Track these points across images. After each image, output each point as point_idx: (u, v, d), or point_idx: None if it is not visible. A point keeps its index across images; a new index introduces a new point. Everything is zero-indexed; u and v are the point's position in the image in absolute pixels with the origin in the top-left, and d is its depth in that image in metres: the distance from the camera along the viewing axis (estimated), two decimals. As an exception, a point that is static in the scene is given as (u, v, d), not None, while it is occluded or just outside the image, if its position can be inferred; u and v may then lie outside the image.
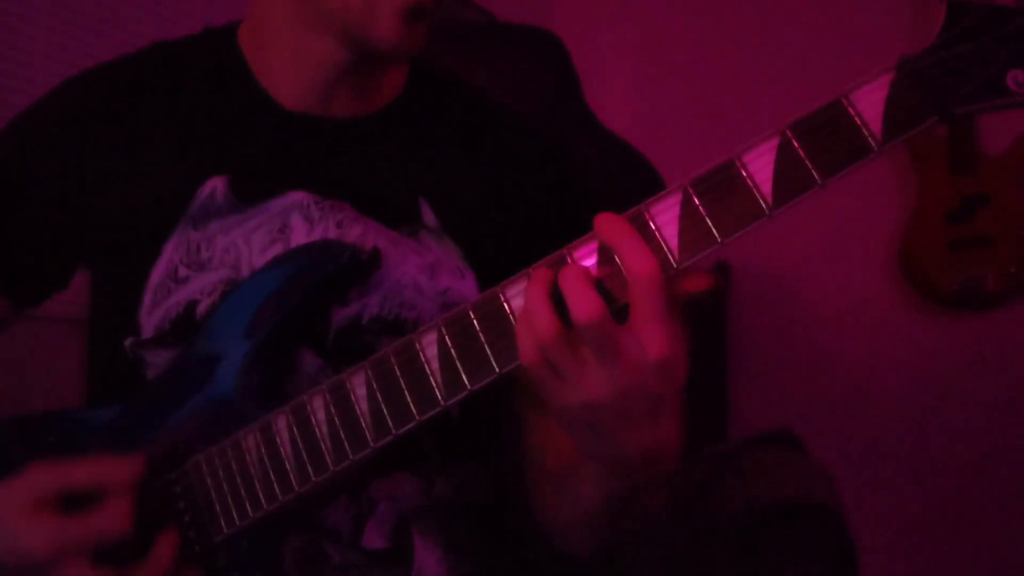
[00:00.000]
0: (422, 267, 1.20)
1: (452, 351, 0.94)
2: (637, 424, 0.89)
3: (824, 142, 0.84)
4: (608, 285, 0.87)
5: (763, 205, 0.85)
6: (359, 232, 1.19)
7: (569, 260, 0.90)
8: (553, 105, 2.15)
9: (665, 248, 0.87)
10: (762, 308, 3.06)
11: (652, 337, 0.85)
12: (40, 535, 1.02)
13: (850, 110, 0.84)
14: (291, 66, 1.23)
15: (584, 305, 0.85)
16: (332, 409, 1.01)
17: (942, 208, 2.79)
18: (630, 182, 2.11)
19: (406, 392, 0.96)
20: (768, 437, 1.74)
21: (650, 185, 2.10)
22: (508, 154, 1.30)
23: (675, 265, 0.86)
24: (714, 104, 3.15)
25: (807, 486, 1.63)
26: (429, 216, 1.23)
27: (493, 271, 1.20)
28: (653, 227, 0.87)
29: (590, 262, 0.89)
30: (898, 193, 2.86)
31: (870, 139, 0.83)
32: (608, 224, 0.87)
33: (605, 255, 0.88)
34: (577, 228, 1.25)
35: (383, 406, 0.98)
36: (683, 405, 0.92)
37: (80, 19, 2.24)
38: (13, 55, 2.12)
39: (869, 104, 0.83)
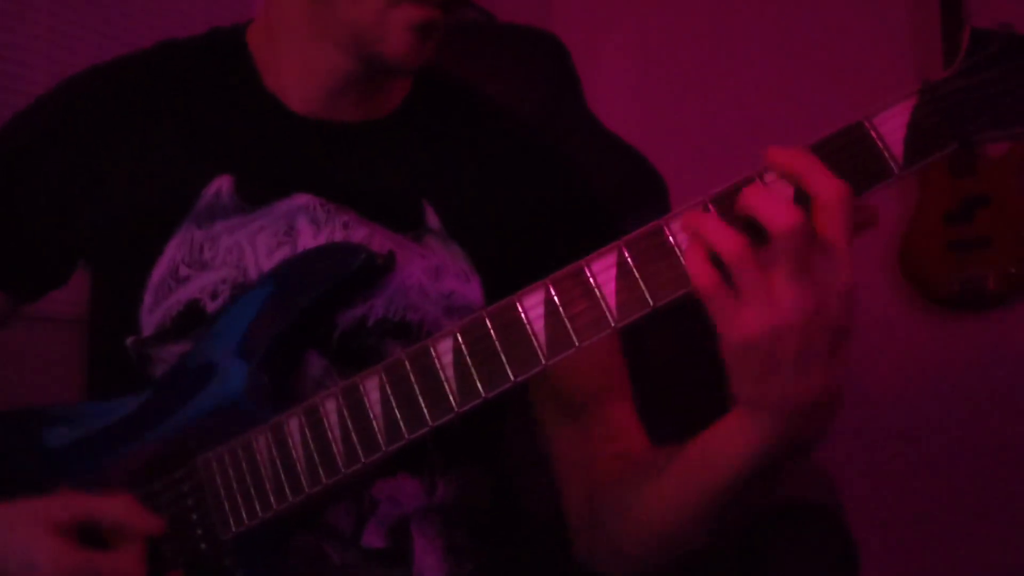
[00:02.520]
0: (427, 270, 1.20)
1: (468, 359, 0.95)
2: (817, 359, 0.86)
3: (845, 164, 0.85)
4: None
5: None
6: (365, 235, 1.19)
7: (587, 272, 0.90)
8: (553, 106, 2.15)
9: None
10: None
11: (843, 262, 0.83)
12: (54, 559, 1.02)
13: (872, 133, 0.84)
14: (299, 71, 1.23)
15: (785, 214, 0.82)
16: (345, 412, 1.01)
17: (942, 208, 2.79)
18: (631, 184, 2.11)
19: (420, 397, 0.97)
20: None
21: (652, 187, 2.11)
22: (512, 159, 1.30)
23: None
24: (715, 105, 3.15)
25: (807, 486, 1.64)
26: (433, 220, 1.23)
27: (499, 274, 1.21)
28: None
29: (609, 275, 0.90)
30: (898, 194, 2.87)
31: (891, 163, 0.84)
32: (785, 155, 0.85)
33: (624, 269, 0.88)
34: (580, 231, 1.26)
35: (396, 410, 0.98)
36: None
37: (80, 19, 2.23)
38: (13, 55, 2.11)
39: (891, 128, 0.84)
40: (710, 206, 0.87)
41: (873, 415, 2.92)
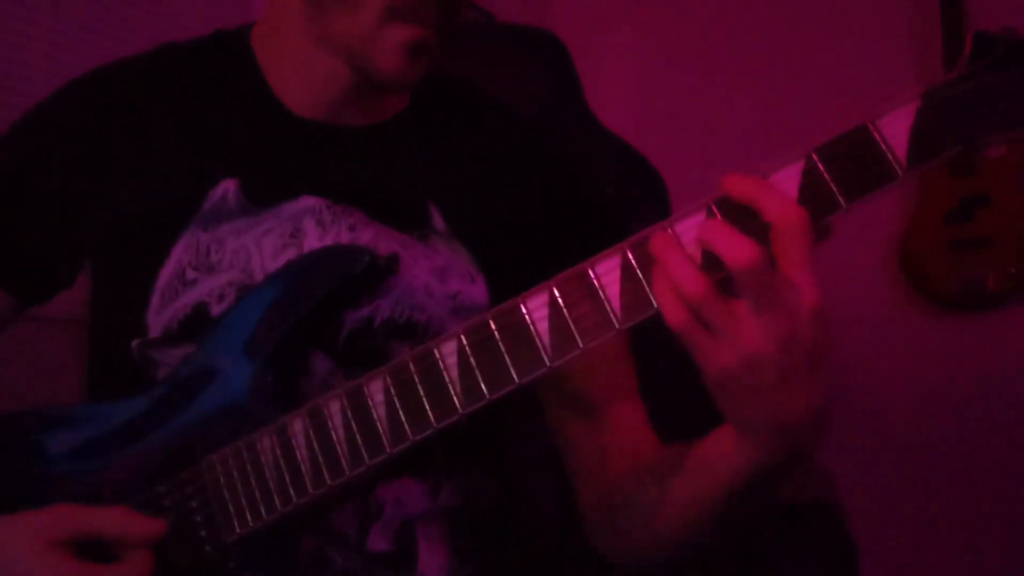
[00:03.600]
0: (432, 271, 1.21)
1: (472, 360, 0.95)
2: (797, 380, 0.87)
3: (850, 167, 0.85)
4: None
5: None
6: (371, 236, 1.19)
7: (591, 274, 0.91)
8: (553, 106, 2.15)
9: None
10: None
11: (806, 285, 0.84)
12: (53, 573, 1.02)
13: (876, 136, 0.85)
14: (301, 77, 1.24)
15: (742, 250, 0.83)
16: (349, 414, 1.01)
17: (942, 209, 2.79)
18: (631, 184, 2.11)
19: (424, 399, 0.97)
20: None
21: (651, 186, 2.11)
22: (516, 159, 1.31)
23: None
24: (715, 105, 3.15)
25: (807, 486, 1.64)
26: (439, 221, 1.23)
27: (503, 275, 1.22)
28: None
29: (613, 277, 0.90)
30: (898, 194, 2.86)
31: (895, 165, 0.84)
32: (742, 182, 0.86)
33: (628, 271, 0.89)
34: (584, 232, 1.27)
35: (401, 412, 0.99)
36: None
37: (80, 19, 2.24)
38: (13, 55, 2.12)
39: (895, 131, 0.85)
40: (674, 228, 0.89)
41: (873, 415, 2.92)
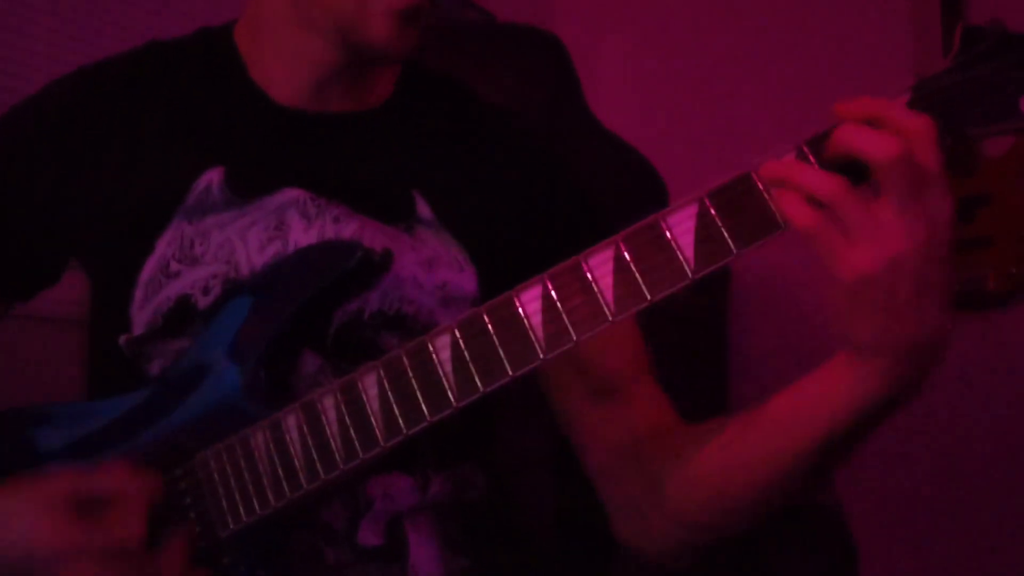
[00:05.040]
0: (419, 261, 1.20)
1: (466, 354, 0.95)
2: (932, 290, 0.84)
3: (839, 159, 0.85)
4: None
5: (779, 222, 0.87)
6: (356, 228, 1.19)
7: (584, 266, 0.91)
8: (553, 106, 2.15)
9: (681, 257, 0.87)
10: (763, 308, 3.05)
11: (944, 189, 0.83)
12: (54, 533, 1.02)
13: None
14: (285, 63, 1.24)
15: (888, 143, 0.82)
16: (343, 408, 1.01)
17: (942, 209, 2.80)
18: (631, 184, 2.11)
19: (418, 393, 0.97)
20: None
21: (651, 187, 2.11)
22: (499, 148, 1.31)
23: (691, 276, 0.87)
24: (715, 105, 3.15)
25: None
26: (424, 210, 1.23)
27: (493, 263, 1.22)
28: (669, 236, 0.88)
29: (606, 269, 0.90)
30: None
31: None
32: (857, 103, 0.85)
33: (621, 264, 0.88)
34: (569, 222, 1.27)
35: (395, 406, 0.99)
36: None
37: (80, 19, 2.24)
38: (13, 55, 2.12)
39: None
40: (805, 149, 0.86)
41: (873, 415, 2.92)
